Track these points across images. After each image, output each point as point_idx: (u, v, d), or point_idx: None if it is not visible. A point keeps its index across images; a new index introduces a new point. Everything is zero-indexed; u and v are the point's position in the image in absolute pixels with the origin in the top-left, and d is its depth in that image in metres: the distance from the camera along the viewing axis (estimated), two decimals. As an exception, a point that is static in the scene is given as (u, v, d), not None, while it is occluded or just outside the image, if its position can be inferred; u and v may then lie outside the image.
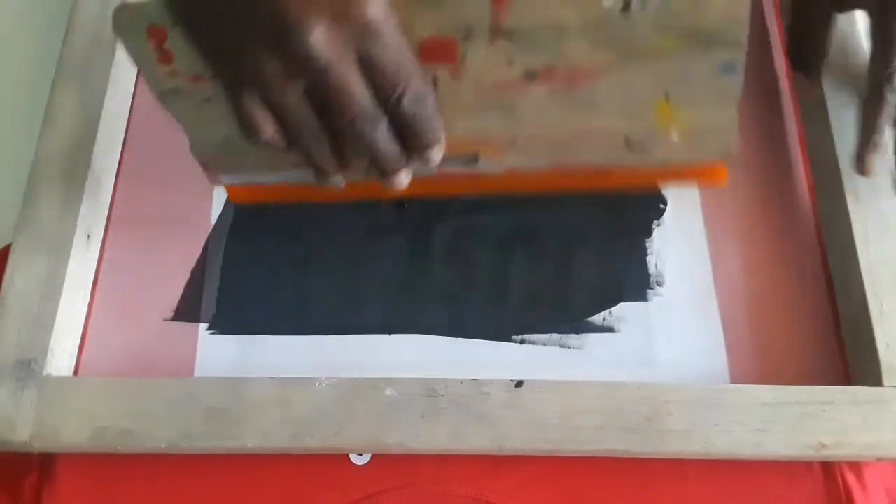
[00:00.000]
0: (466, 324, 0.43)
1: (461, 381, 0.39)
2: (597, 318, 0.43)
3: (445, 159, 0.36)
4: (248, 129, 0.34)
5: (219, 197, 0.46)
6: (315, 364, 0.42)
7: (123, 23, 0.36)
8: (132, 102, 0.49)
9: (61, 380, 0.40)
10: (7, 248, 0.43)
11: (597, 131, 0.36)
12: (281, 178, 0.40)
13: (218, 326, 0.43)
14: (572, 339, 0.43)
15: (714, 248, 0.45)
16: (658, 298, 0.44)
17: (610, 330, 0.43)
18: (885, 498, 0.40)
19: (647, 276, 0.44)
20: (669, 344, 0.42)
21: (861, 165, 0.41)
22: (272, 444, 0.38)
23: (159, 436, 0.38)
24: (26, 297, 0.41)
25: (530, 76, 0.34)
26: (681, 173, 0.38)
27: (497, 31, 0.33)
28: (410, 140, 0.35)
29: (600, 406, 0.39)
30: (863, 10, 0.42)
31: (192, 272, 0.44)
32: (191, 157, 0.44)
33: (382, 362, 0.42)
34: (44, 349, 0.40)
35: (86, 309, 0.44)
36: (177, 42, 0.35)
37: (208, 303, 0.44)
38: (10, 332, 0.40)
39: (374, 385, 0.39)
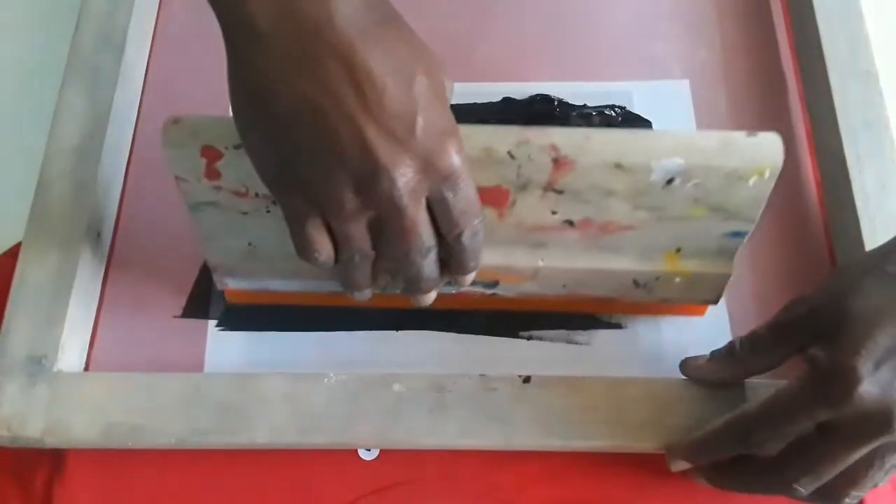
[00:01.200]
0: (474, 320, 0.43)
1: (469, 377, 0.39)
2: (604, 315, 0.44)
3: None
4: (306, 251, 0.34)
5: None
6: (324, 360, 0.42)
7: (174, 138, 0.35)
8: (141, 99, 0.49)
9: (72, 376, 0.40)
10: (17, 247, 0.43)
11: (611, 271, 0.39)
12: (297, 287, 0.41)
13: (227, 323, 0.44)
14: (580, 335, 0.43)
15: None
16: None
17: (618, 326, 0.43)
18: (891, 491, 0.40)
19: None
20: (677, 340, 0.42)
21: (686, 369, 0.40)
22: (281, 439, 0.38)
23: (169, 431, 0.38)
24: (37, 294, 0.41)
25: (569, 223, 0.37)
26: (672, 309, 0.42)
27: (550, 188, 0.36)
28: (453, 267, 0.36)
29: (608, 402, 0.39)
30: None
31: (201, 269, 0.45)
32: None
33: (391, 358, 0.42)
34: (55, 345, 0.40)
35: (96, 305, 0.44)
36: (230, 165, 0.35)
37: (217, 299, 0.44)
38: (22, 328, 0.40)
39: (383, 381, 0.39)
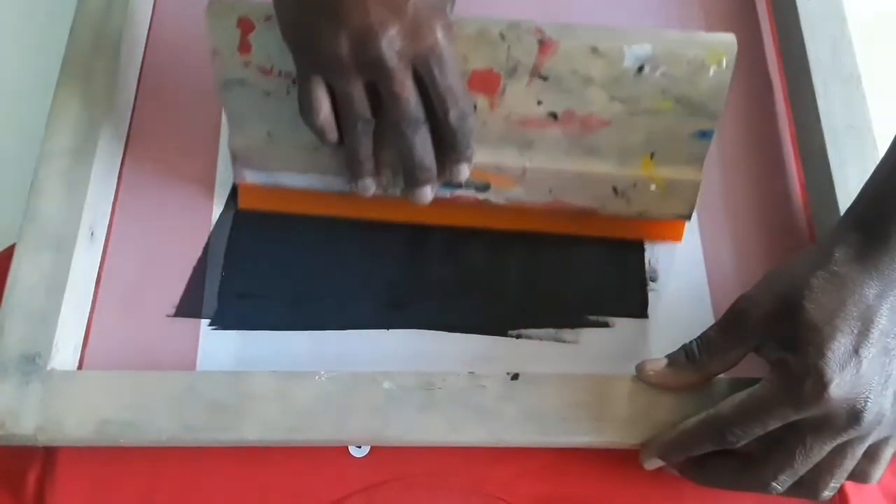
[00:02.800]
0: (463, 319, 0.44)
1: (458, 375, 0.40)
2: (591, 313, 0.44)
3: (460, 184, 0.42)
4: (309, 107, 0.39)
5: (220, 195, 0.47)
6: (314, 358, 0.43)
7: (217, 10, 0.41)
8: (135, 101, 0.50)
9: (65, 374, 0.40)
10: (11, 249, 0.44)
11: (592, 176, 0.43)
12: (308, 182, 0.44)
13: (219, 322, 0.44)
14: (567, 333, 0.44)
15: (707, 244, 0.46)
16: (652, 293, 0.45)
17: (605, 325, 0.44)
18: (881, 498, 0.40)
19: (643, 277, 0.45)
20: (663, 337, 0.43)
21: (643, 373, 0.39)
22: (272, 436, 0.39)
23: (161, 428, 0.39)
24: (31, 293, 0.41)
25: (552, 116, 0.41)
26: (647, 227, 0.45)
27: (535, 73, 0.41)
28: (446, 151, 0.40)
29: (595, 399, 0.39)
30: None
31: (194, 269, 0.45)
32: (193, 155, 0.45)
33: (381, 356, 0.43)
34: (48, 344, 0.40)
35: (90, 304, 0.44)
36: (260, 37, 0.41)
37: (210, 299, 0.44)
38: (15, 326, 0.41)
39: (373, 379, 0.40)
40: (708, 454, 0.37)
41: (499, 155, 0.42)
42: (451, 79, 0.38)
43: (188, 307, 0.44)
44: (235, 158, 0.44)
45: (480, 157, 0.42)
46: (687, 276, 0.45)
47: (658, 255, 0.46)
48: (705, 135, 0.41)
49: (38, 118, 0.46)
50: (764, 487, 0.36)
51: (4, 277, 0.42)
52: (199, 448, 0.40)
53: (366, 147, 0.40)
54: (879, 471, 0.37)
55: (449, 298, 0.44)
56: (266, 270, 0.45)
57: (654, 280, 0.45)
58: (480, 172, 0.42)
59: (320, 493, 0.40)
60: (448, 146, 0.40)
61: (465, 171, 0.41)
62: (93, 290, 0.45)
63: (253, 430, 0.39)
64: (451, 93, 0.39)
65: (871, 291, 0.35)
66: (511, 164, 0.42)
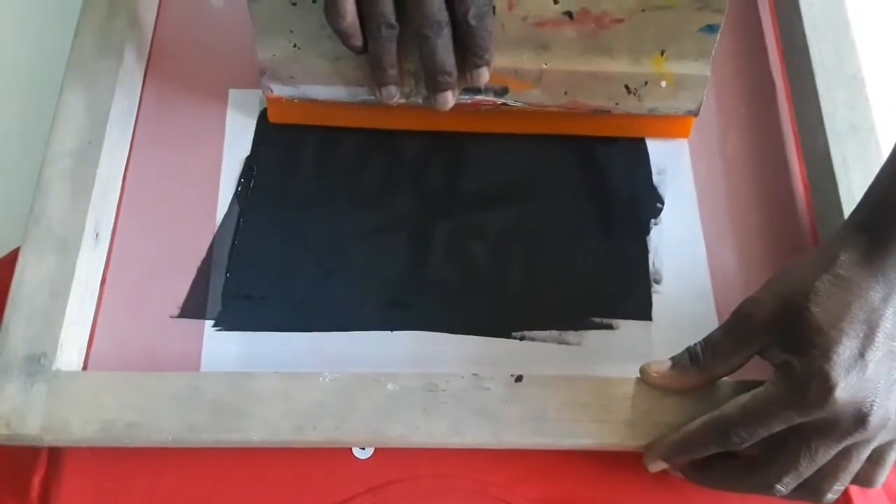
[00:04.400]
0: (467, 320, 0.44)
1: (461, 376, 0.40)
2: (595, 315, 0.44)
3: (479, 90, 0.44)
4: (335, 9, 0.40)
5: (224, 196, 0.47)
6: (318, 360, 0.43)
7: None
8: (140, 102, 0.50)
9: (70, 374, 0.41)
10: (13, 254, 0.44)
11: (606, 75, 0.44)
12: (333, 94, 0.46)
13: (223, 323, 0.44)
14: (571, 335, 0.44)
15: (710, 245, 0.46)
16: (656, 295, 0.45)
17: (608, 327, 0.44)
18: (885, 500, 0.40)
19: (648, 279, 0.45)
20: (667, 339, 0.43)
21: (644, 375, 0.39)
22: (276, 437, 0.39)
23: (166, 429, 0.39)
24: (36, 294, 0.42)
25: (568, 16, 0.43)
26: (658, 124, 0.47)
27: None
28: (468, 52, 0.41)
29: (598, 401, 0.39)
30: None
31: (199, 270, 0.45)
32: (197, 157, 0.45)
33: (385, 358, 0.43)
34: (53, 344, 0.40)
35: (94, 305, 0.44)
36: None
37: (214, 300, 0.45)
38: (21, 327, 0.41)
39: (376, 380, 0.40)
40: (711, 456, 0.37)
41: (517, 58, 0.44)
42: None
43: (192, 308, 0.44)
44: (263, 71, 0.45)
45: (499, 62, 0.43)
46: (691, 278, 0.45)
47: (662, 257, 0.46)
48: (712, 29, 0.43)
49: (43, 120, 0.46)
50: (768, 490, 0.36)
51: (8, 281, 0.42)
52: (202, 449, 0.40)
53: (390, 54, 0.42)
54: (883, 474, 0.37)
55: (452, 300, 0.44)
56: (270, 272, 0.45)
57: (657, 282, 0.45)
58: (499, 76, 0.44)
59: (324, 494, 0.40)
60: (468, 49, 0.41)
61: (484, 75, 0.42)
62: (98, 291, 0.45)
63: (257, 431, 0.39)
64: None
65: (876, 295, 0.35)
66: (529, 67, 0.44)
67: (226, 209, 0.47)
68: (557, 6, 0.42)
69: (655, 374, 0.39)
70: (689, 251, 0.46)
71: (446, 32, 0.40)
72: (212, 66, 0.51)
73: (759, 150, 0.49)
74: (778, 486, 0.36)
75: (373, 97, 0.45)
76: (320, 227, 0.46)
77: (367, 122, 0.48)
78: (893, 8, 0.56)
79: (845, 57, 0.47)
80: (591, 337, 0.44)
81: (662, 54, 0.44)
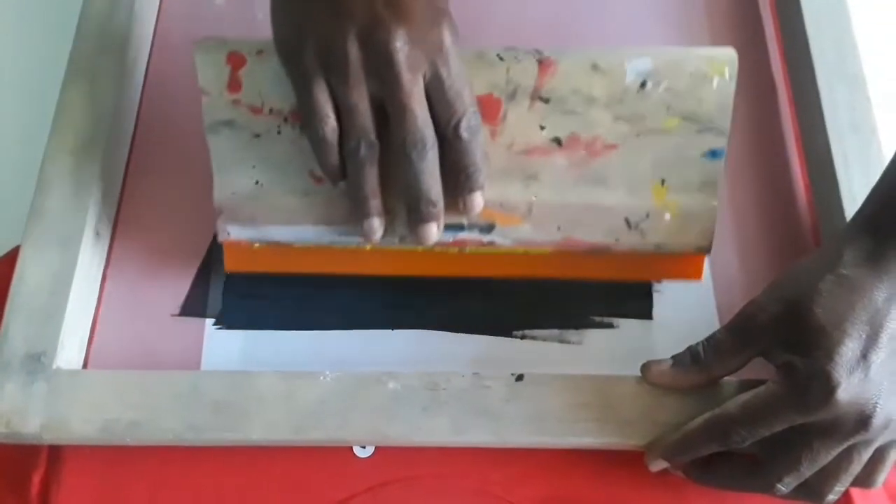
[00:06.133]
0: (468, 319, 0.44)
1: (462, 375, 0.40)
2: (596, 314, 0.44)
3: (462, 226, 0.40)
4: (311, 114, 0.37)
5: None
6: (319, 358, 0.43)
7: (206, 47, 0.40)
8: (141, 100, 0.50)
9: (71, 373, 0.41)
10: (12, 253, 0.44)
11: (602, 207, 0.40)
12: (299, 234, 0.41)
13: (224, 321, 0.44)
14: (572, 334, 0.44)
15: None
16: (657, 294, 0.45)
17: (609, 326, 0.44)
18: (886, 500, 0.40)
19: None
20: (667, 339, 0.43)
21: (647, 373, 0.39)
22: (277, 436, 0.39)
23: (166, 427, 0.39)
24: (36, 292, 0.41)
25: (556, 142, 0.40)
26: (665, 264, 0.42)
27: (536, 96, 0.39)
28: (460, 174, 0.38)
29: (599, 399, 0.39)
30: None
31: (199, 268, 0.45)
32: (198, 155, 0.45)
33: (385, 357, 0.43)
34: (53, 343, 0.40)
35: (95, 303, 0.44)
36: (251, 73, 0.40)
37: (214, 298, 0.44)
38: (21, 325, 0.41)
39: (378, 379, 0.40)
40: (712, 455, 0.37)
41: (503, 190, 0.40)
42: (460, 83, 0.37)
43: (193, 307, 0.44)
44: (220, 212, 0.41)
45: (484, 193, 0.39)
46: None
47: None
48: (715, 154, 0.40)
49: (43, 117, 0.46)
50: (768, 489, 0.36)
51: (8, 279, 0.42)
52: (203, 447, 0.40)
53: (371, 178, 0.37)
54: (883, 474, 0.37)
55: (453, 299, 0.44)
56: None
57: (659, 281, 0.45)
58: (485, 211, 0.40)
59: (325, 493, 0.40)
60: (460, 170, 0.37)
61: (479, 201, 0.38)
62: (98, 289, 0.45)
63: (257, 430, 0.39)
64: (460, 99, 0.37)
65: (880, 295, 0.35)
66: (516, 199, 0.40)
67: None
68: (544, 132, 0.39)
69: (656, 373, 0.39)
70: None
71: (432, 155, 0.37)
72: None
73: (759, 149, 0.49)
74: (779, 486, 0.36)
75: (343, 238, 0.40)
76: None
77: (337, 267, 0.43)
78: (894, 7, 0.56)
79: (847, 56, 0.47)
80: (592, 336, 0.44)
81: (663, 183, 0.40)
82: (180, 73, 0.51)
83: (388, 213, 0.39)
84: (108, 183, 0.46)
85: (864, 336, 0.34)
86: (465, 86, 0.37)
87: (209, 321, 0.44)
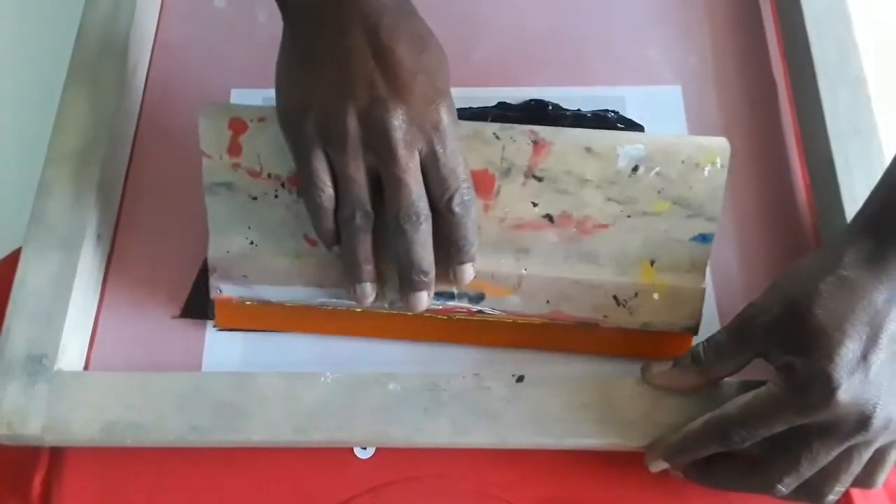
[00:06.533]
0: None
1: (463, 376, 0.40)
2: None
3: (452, 295, 0.41)
4: (309, 181, 0.38)
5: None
6: (320, 360, 0.43)
7: (211, 112, 0.41)
8: (142, 104, 0.50)
9: (72, 374, 0.41)
10: (13, 255, 0.44)
11: (592, 284, 0.41)
12: (290, 295, 0.42)
13: (225, 323, 0.44)
14: (572, 335, 0.44)
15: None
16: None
17: (609, 327, 0.44)
18: (886, 500, 0.40)
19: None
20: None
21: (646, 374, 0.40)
22: (278, 437, 0.39)
23: (167, 429, 0.39)
24: (38, 294, 0.42)
25: (548, 219, 0.40)
26: (653, 343, 0.42)
27: (530, 174, 0.40)
28: (451, 246, 0.39)
29: (599, 401, 0.39)
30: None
31: (200, 270, 0.45)
32: (199, 157, 0.45)
33: (386, 358, 0.43)
34: (55, 344, 0.41)
35: (96, 305, 0.44)
36: (252, 138, 0.41)
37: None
38: (22, 327, 0.41)
39: (378, 380, 0.40)
40: (712, 456, 0.37)
41: (494, 262, 0.41)
42: (455, 160, 0.38)
43: (194, 308, 0.44)
44: (214, 270, 0.42)
45: (475, 265, 0.40)
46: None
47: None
48: (705, 239, 0.40)
49: (44, 120, 0.46)
50: (768, 490, 0.36)
51: (9, 283, 0.42)
52: (204, 449, 0.40)
53: (365, 245, 0.38)
54: (883, 475, 0.37)
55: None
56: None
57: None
58: (475, 281, 0.40)
59: (325, 494, 0.40)
60: (452, 243, 0.38)
61: (469, 273, 0.39)
62: (99, 291, 0.45)
63: (258, 431, 0.39)
64: (454, 175, 0.38)
65: (880, 296, 0.35)
66: (507, 272, 0.41)
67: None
68: (537, 209, 0.40)
69: (657, 374, 0.39)
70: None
71: (425, 227, 0.38)
72: (214, 66, 0.51)
73: (760, 151, 0.49)
74: (779, 487, 0.36)
75: (334, 300, 0.41)
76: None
77: (326, 328, 0.43)
78: (894, 7, 0.56)
79: (847, 57, 0.47)
80: (593, 337, 0.44)
81: (652, 264, 0.41)
82: (181, 76, 0.51)
83: (380, 279, 0.40)
84: (110, 185, 0.46)
85: (864, 337, 0.34)
86: (460, 163, 0.38)
87: (210, 323, 0.44)
